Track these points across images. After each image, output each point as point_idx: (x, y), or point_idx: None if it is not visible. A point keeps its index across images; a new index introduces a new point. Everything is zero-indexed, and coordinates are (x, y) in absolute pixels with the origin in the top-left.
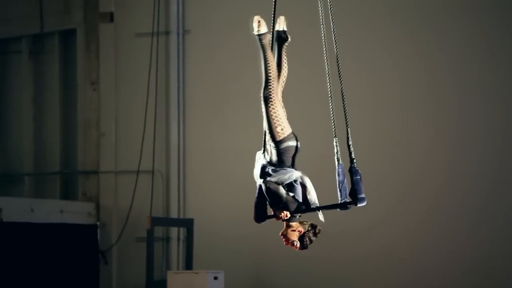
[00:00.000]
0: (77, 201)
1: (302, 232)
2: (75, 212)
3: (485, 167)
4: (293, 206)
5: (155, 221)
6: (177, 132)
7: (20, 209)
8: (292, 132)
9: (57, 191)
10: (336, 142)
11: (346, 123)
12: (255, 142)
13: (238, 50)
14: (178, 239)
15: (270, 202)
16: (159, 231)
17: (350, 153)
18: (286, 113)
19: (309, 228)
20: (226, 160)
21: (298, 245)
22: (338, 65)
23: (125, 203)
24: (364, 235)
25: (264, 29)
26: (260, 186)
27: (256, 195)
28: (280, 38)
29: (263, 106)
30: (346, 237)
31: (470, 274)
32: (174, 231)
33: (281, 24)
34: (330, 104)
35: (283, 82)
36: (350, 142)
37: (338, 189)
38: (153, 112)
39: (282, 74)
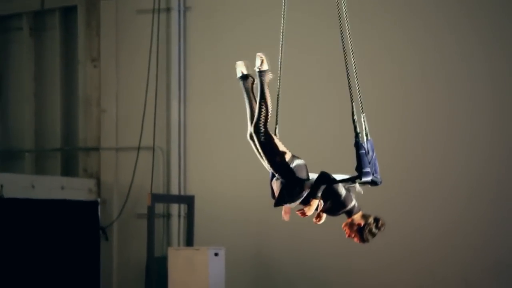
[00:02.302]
0: (78, 177)
1: (362, 225)
2: (76, 189)
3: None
4: (350, 199)
5: (156, 198)
6: (177, 109)
7: (21, 185)
8: (293, 155)
9: (58, 168)
10: (363, 118)
11: (351, 98)
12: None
13: (239, 27)
14: (179, 215)
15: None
16: (159, 207)
17: (355, 128)
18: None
19: (370, 221)
20: (226, 137)
21: (356, 238)
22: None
23: (125, 180)
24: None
25: (265, 66)
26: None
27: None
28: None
29: (259, 140)
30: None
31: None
32: (174, 207)
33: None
34: (356, 79)
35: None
36: (355, 117)
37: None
38: (154, 88)
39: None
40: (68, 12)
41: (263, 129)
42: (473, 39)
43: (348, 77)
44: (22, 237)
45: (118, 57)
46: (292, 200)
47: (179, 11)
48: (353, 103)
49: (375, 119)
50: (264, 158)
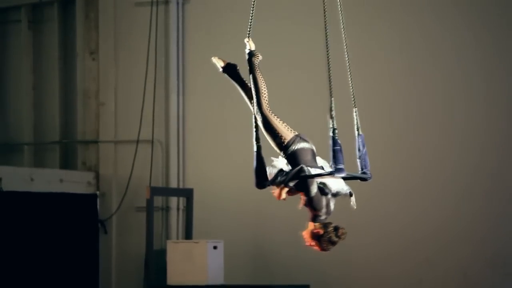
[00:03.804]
0: (76, 170)
1: (321, 234)
2: (74, 182)
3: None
4: (319, 204)
5: (155, 191)
6: (176, 102)
7: (20, 178)
8: (298, 136)
9: (56, 161)
10: (356, 113)
11: (331, 93)
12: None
13: (238, 20)
14: (178, 208)
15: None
16: (158, 200)
17: (332, 124)
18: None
19: (330, 230)
20: (225, 130)
21: (317, 247)
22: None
23: (124, 173)
24: (364, 204)
25: (253, 47)
26: (258, 151)
27: (255, 161)
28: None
29: (261, 122)
30: (347, 208)
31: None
32: (173, 200)
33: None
34: (349, 72)
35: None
36: (333, 113)
37: (358, 159)
38: (152, 81)
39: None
40: (67, 5)
41: (259, 111)
42: (466, 33)
43: (329, 71)
44: (21, 230)
45: (117, 49)
46: (272, 183)
47: (177, 4)
48: (332, 98)
49: (374, 112)
50: (268, 139)
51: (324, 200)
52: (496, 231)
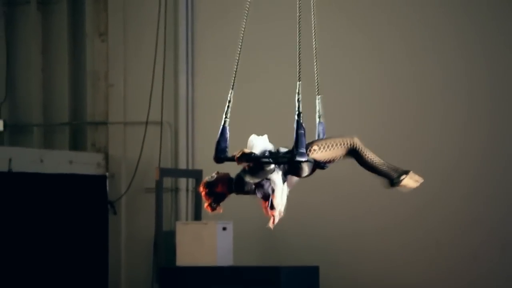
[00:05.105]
0: (86, 151)
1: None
2: (84, 163)
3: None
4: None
5: (164, 172)
6: (185, 83)
7: (30, 159)
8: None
9: (66, 142)
10: (318, 100)
11: (299, 77)
12: (263, 93)
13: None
14: (187, 190)
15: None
16: (167, 182)
17: (298, 108)
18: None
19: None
20: (234, 111)
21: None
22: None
23: (134, 154)
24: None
25: None
26: (225, 125)
27: (219, 135)
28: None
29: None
30: (355, 186)
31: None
32: (182, 182)
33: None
34: (315, 60)
35: None
36: (300, 97)
37: None
38: (161, 63)
39: None
40: None
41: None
42: (450, 24)
43: (298, 55)
44: (30, 211)
45: (126, 31)
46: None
47: None
48: (299, 83)
49: (373, 96)
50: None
51: (264, 182)
52: (505, 212)
